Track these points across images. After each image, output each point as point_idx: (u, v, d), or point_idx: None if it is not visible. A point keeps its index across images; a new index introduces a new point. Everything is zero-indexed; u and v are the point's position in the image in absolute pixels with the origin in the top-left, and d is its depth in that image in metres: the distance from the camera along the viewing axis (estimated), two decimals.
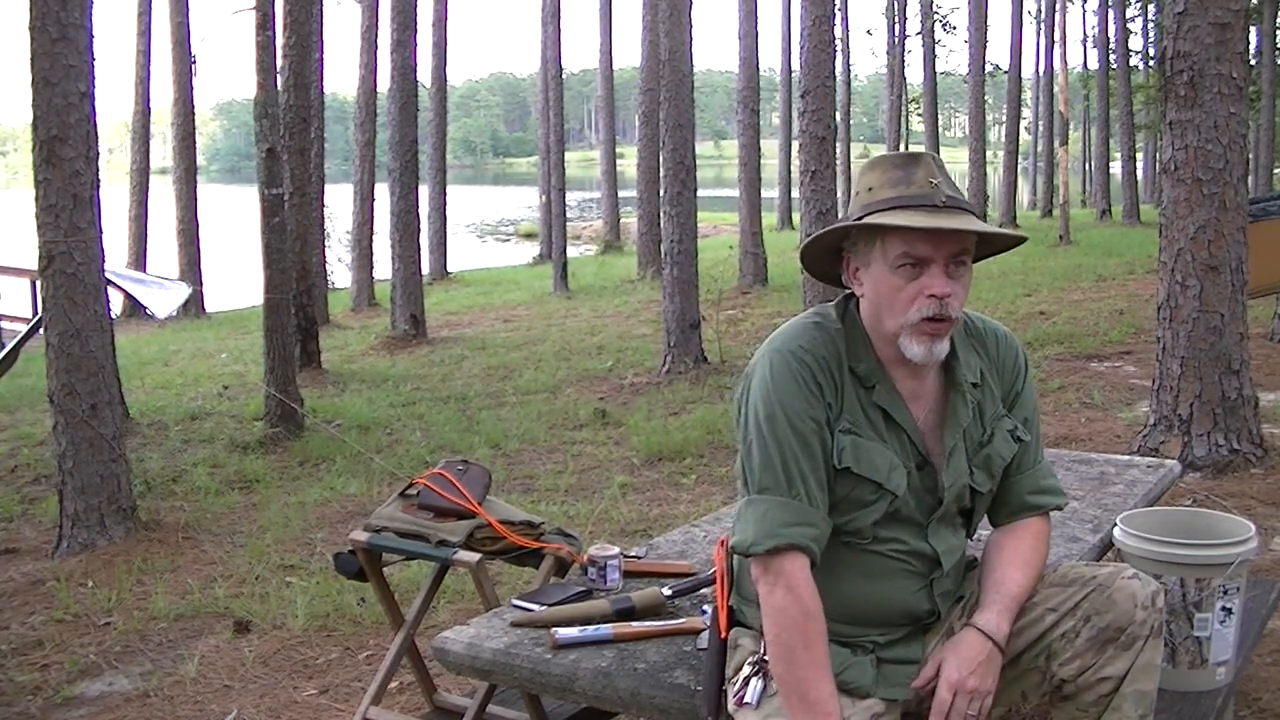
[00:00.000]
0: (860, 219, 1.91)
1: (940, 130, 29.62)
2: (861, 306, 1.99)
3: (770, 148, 23.81)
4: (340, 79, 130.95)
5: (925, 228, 1.85)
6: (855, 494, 1.93)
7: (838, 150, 8.97)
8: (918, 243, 1.87)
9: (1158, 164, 8.74)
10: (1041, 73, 35.26)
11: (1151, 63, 26.15)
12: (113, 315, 6.59)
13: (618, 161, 25.20)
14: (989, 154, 26.98)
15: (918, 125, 31.83)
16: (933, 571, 2.00)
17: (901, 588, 1.98)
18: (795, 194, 15.56)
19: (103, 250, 5.69)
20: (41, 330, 5.83)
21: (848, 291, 2.03)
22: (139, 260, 16.52)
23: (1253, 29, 14.92)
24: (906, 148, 25.94)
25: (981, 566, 2.06)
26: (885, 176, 1.92)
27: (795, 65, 12.01)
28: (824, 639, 1.87)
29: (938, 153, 26.70)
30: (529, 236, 30.15)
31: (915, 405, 1.99)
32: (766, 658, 1.93)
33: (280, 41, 9.67)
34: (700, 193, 9.94)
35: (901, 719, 1.97)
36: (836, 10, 12.36)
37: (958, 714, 1.86)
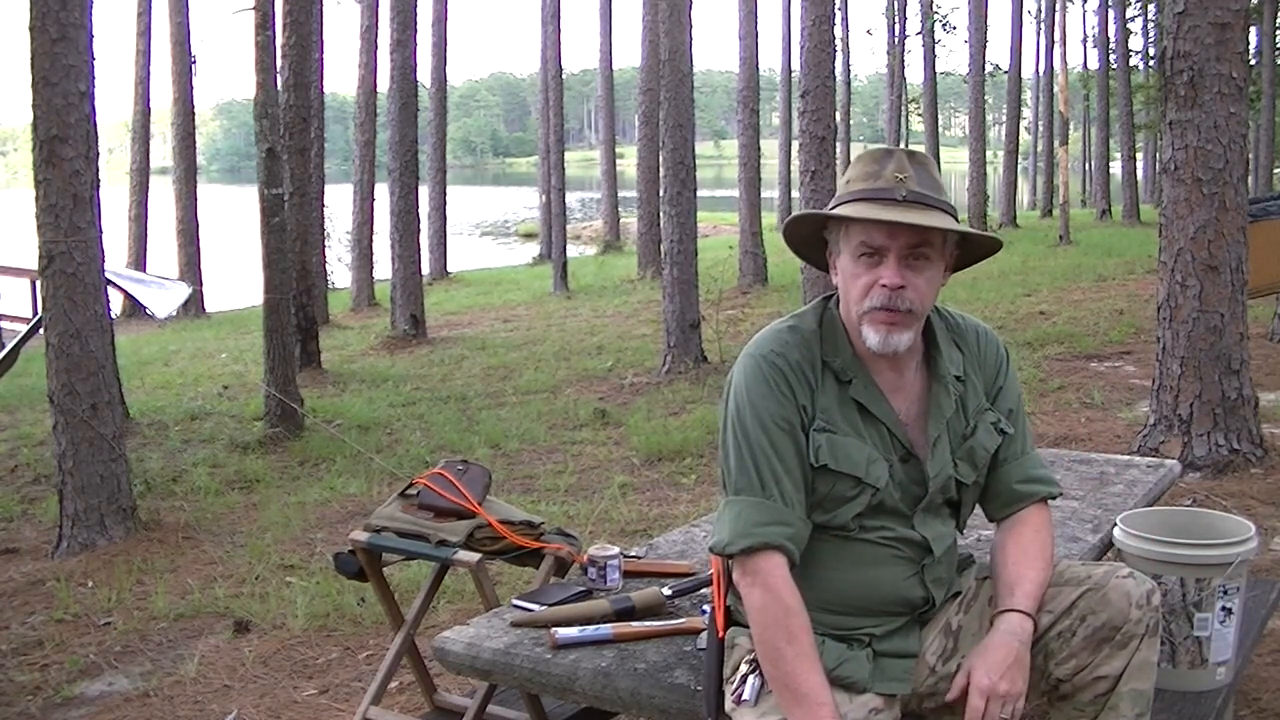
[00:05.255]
0: (828, 209, 1.99)
1: (940, 130, 29.61)
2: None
3: (770, 148, 23.78)
4: (340, 79, 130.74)
5: (876, 219, 1.90)
6: (836, 490, 1.96)
7: (838, 150, 8.94)
8: (874, 233, 1.93)
9: (1158, 164, 8.74)
10: (1041, 73, 35.29)
11: (1151, 63, 26.12)
12: (113, 315, 6.59)
13: (618, 161, 25.19)
14: (989, 154, 26.96)
15: (918, 125, 31.82)
16: (923, 558, 2.02)
17: (893, 574, 1.99)
18: (795, 194, 15.55)
19: (103, 250, 5.69)
20: (41, 330, 5.83)
21: (826, 294, 2.10)
22: (139, 260, 16.52)
23: (1253, 29, 14.89)
24: (906, 147, 25.90)
25: (991, 569, 2.07)
26: (861, 170, 1.99)
27: (795, 65, 12.01)
28: (808, 632, 1.88)
29: (938, 153, 26.61)
30: (529, 236, 30.14)
31: (896, 398, 2.02)
32: None
33: (280, 41, 9.67)
34: (700, 193, 9.94)
35: (902, 717, 1.97)
36: (836, 10, 12.36)
37: (991, 719, 1.84)
